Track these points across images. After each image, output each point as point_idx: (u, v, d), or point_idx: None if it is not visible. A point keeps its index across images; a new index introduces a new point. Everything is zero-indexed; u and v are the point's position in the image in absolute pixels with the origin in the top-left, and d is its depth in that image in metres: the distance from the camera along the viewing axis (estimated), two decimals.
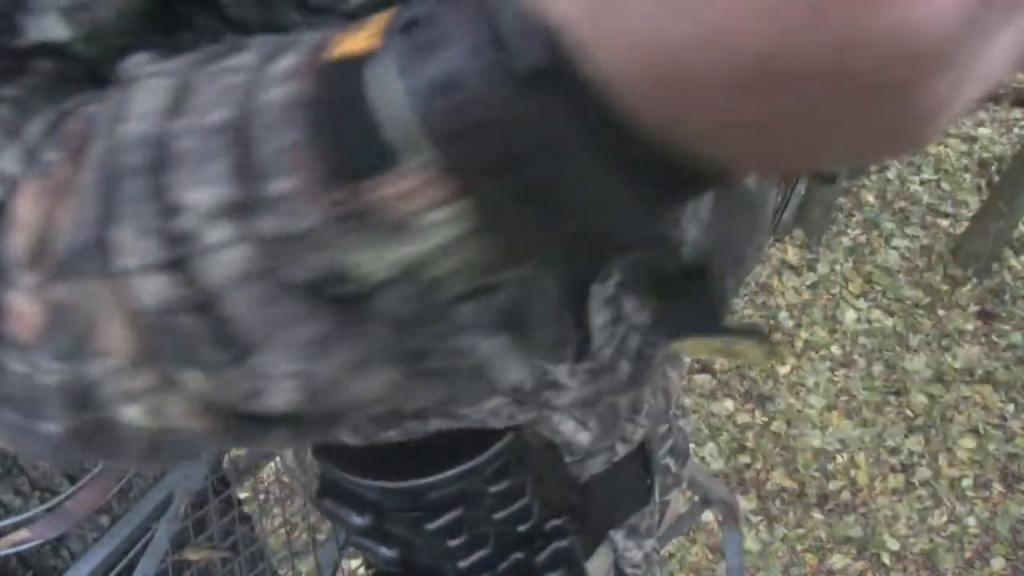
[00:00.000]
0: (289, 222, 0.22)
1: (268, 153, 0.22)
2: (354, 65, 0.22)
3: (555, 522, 0.55)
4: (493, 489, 0.50)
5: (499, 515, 0.51)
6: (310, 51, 0.23)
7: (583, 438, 0.59)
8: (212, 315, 0.23)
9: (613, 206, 0.22)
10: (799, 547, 2.46)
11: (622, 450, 0.64)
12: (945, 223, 3.41)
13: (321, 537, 1.49)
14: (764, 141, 0.19)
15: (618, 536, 0.71)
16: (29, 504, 1.14)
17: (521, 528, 0.53)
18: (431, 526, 0.49)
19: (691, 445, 2.83)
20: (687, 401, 2.75)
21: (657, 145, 0.20)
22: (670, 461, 0.84)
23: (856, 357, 2.95)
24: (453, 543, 0.50)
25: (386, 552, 0.52)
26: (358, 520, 0.51)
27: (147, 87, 0.25)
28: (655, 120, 0.19)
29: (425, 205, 0.21)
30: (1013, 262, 3.22)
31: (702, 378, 2.87)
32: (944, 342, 2.98)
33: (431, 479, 0.48)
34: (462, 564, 0.51)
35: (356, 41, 0.22)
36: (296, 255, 0.22)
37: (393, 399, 0.27)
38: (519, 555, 0.53)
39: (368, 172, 0.21)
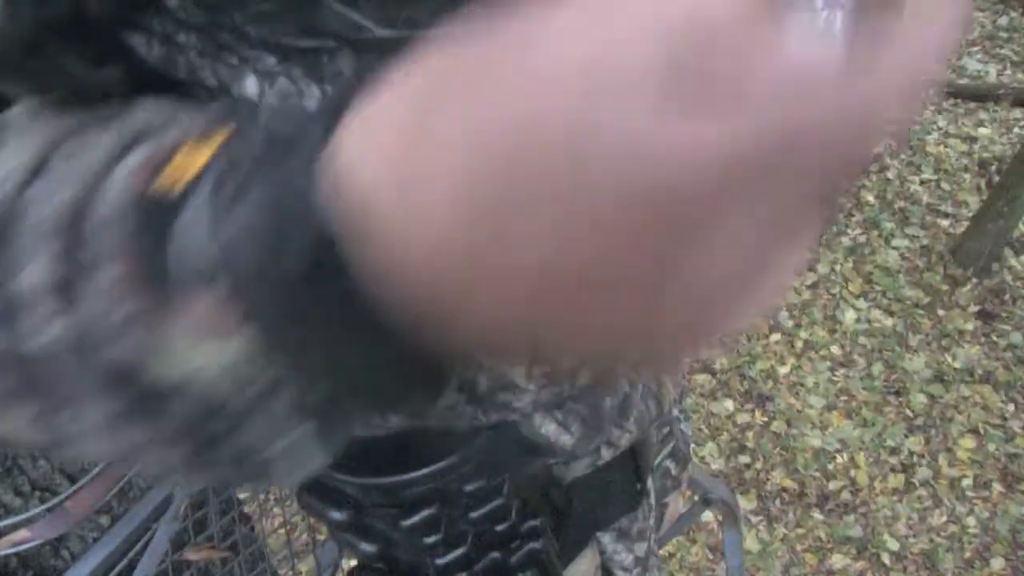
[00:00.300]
0: (101, 312, 0.24)
1: (94, 245, 0.24)
2: (179, 185, 0.24)
3: (532, 523, 0.56)
4: (469, 488, 0.51)
5: (475, 514, 0.52)
6: (156, 154, 0.25)
7: (565, 440, 0.60)
8: (28, 373, 0.26)
9: (378, 377, 0.24)
10: (799, 547, 2.47)
11: (607, 454, 0.64)
12: (945, 223, 3.41)
13: (321, 537, 1.50)
14: (532, 338, 0.21)
15: (606, 539, 0.71)
16: (29, 504, 1.15)
17: (499, 528, 0.54)
18: (407, 523, 0.50)
19: (691, 445, 2.83)
20: (687, 401, 2.75)
21: (422, 330, 0.21)
22: (670, 464, 0.84)
23: (856, 357, 2.95)
24: (429, 540, 0.51)
25: (366, 547, 0.54)
26: (337, 515, 0.52)
27: (18, 145, 0.27)
28: (427, 308, 0.21)
29: (216, 326, 0.24)
30: (1013, 262, 3.22)
31: (702, 378, 2.88)
32: (944, 342, 2.98)
33: (407, 476, 0.49)
34: (439, 561, 0.52)
35: (193, 159, 0.24)
36: (104, 342, 0.25)
37: (188, 474, 0.29)
38: (496, 555, 0.54)
39: (173, 286, 0.24)
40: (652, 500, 0.75)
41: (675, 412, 0.83)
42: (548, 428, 0.59)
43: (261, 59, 0.39)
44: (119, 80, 0.36)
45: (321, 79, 0.39)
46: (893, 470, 2.64)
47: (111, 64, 0.36)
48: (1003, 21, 4.72)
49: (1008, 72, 4.33)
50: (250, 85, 0.39)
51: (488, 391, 0.48)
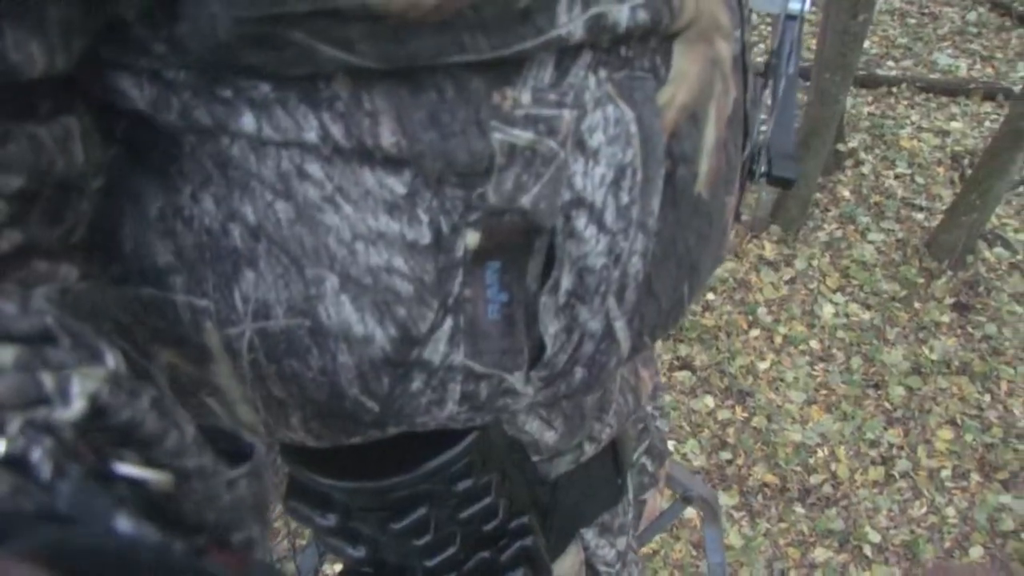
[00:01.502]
0: None
1: None
2: None
3: (520, 520, 0.55)
4: (458, 488, 0.50)
5: (464, 514, 0.52)
6: None
7: (549, 437, 0.60)
8: None
9: None
10: (782, 541, 2.48)
11: (590, 449, 0.64)
12: (920, 216, 3.45)
13: (302, 543, 1.48)
14: None
15: (589, 534, 0.71)
16: None
17: (487, 527, 0.53)
18: (397, 526, 0.50)
19: (672, 442, 2.82)
20: (667, 398, 2.76)
21: None
22: (647, 461, 0.85)
23: (834, 351, 2.97)
24: (419, 542, 0.51)
25: (354, 552, 0.53)
26: (324, 520, 0.52)
27: None
28: None
29: None
30: (987, 254, 3.26)
31: (682, 375, 2.89)
32: (921, 334, 3.01)
33: (396, 479, 0.49)
34: (429, 563, 0.52)
35: None
36: None
37: None
38: (485, 554, 0.53)
39: None
40: (630, 496, 0.76)
41: (649, 409, 0.83)
42: (532, 425, 0.58)
43: (256, 87, 0.38)
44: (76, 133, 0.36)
45: (318, 104, 0.38)
46: (873, 463, 2.66)
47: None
48: (972, 17, 4.78)
49: (978, 67, 4.39)
50: (247, 122, 0.39)
51: (488, 398, 0.47)
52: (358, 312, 0.42)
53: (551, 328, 0.46)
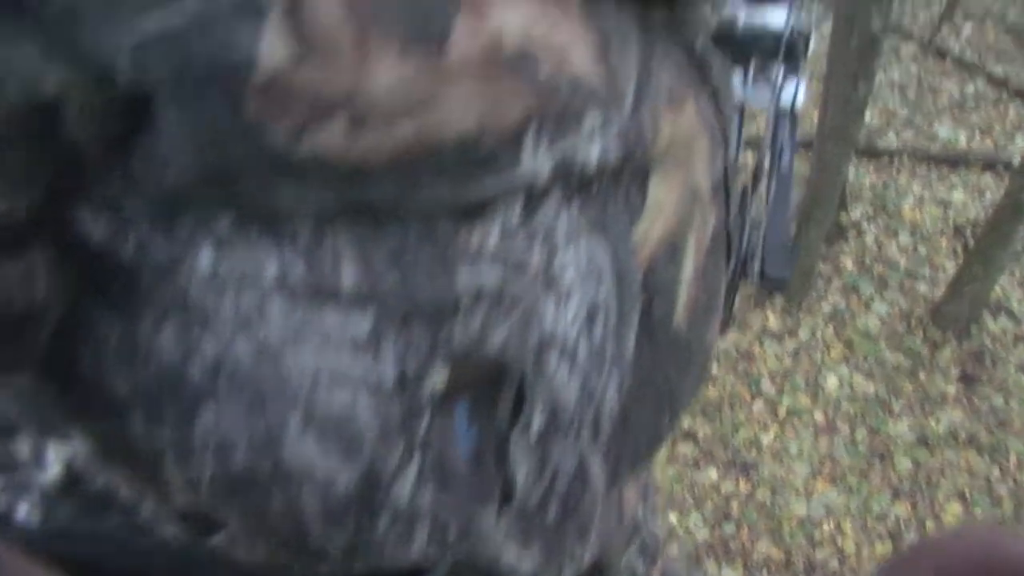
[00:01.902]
0: None
1: None
2: None
3: None
4: None
5: None
6: None
7: (527, 564, 0.58)
8: None
9: None
10: None
11: (570, 574, 0.63)
12: (923, 287, 3.45)
13: None
14: None
15: None
16: None
17: None
18: None
19: (675, 515, 2.73)
20: (671, 471, 2.73)
21: None
22: (638, 563, 0.82)
23: (839, 423, 2.95)
24: None
25: None
26: None
27: None
28: None
29: None
30: (992, 325, 3.24)
31: (685, 447, 2.86)
32: (927, 406, 2.99)
33: None
34: None
35: None
36: None
37: None
38: None
39: None
40: None
41: (640, 511, 0.82)
42: (509, 553, 0.57)
43: (215, 220, 0.37)
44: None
45: (280, 240, 0.37)
46: (880, 537, 2.61)
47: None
48: (970, 90, 4.84)
49: (977, 139, 4.43)
50: (204, 258, 0.38)
51: (458, 538, 0.47)
52: (323, 451, 0.41)
53: (522, 467, 0.45)
